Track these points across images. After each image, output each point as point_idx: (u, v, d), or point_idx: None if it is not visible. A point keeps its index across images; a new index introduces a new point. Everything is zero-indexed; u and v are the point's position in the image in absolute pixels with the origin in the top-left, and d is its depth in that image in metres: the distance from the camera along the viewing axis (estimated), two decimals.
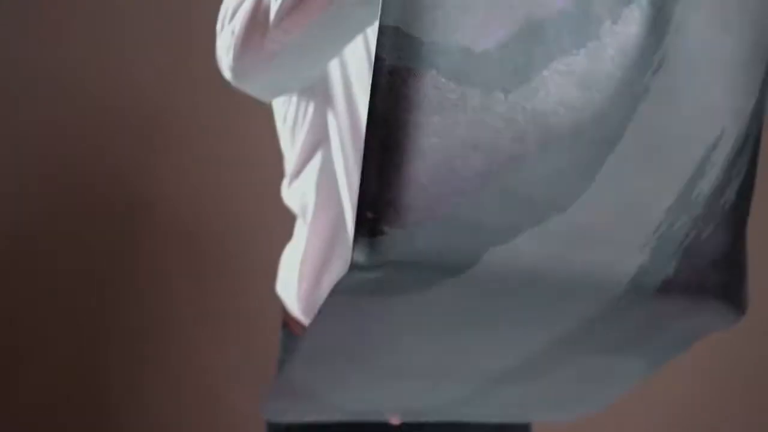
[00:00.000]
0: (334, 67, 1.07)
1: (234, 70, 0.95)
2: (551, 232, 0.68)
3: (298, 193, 1.12)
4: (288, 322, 1.19)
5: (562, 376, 0.85)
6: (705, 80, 0.73)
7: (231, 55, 0.94)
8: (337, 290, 0.65)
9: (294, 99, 1.11)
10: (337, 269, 1.10)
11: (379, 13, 0.62)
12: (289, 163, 1.13)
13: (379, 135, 0.63)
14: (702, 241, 0.74)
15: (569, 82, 0.68)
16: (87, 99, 2.16)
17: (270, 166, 2.20)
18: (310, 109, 1.08)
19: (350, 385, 0.81)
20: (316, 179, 1.09)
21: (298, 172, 1.11)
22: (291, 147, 1.12)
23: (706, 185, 0.74)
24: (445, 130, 0.64)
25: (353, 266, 0.63)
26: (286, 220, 2.21)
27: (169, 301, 2.23)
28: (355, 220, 0.62)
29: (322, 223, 1.10)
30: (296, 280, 1.14)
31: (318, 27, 0.88)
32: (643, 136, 0.71)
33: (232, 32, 0.94)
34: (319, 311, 0.68)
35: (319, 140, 1.08)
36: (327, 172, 1.08)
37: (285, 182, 1.15)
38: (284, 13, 0.88)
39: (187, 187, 2.21)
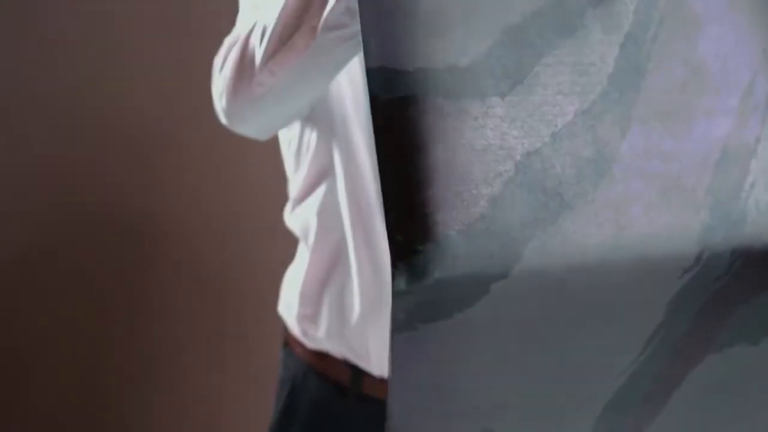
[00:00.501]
0: (335, 92, 1.09)
1: (227, 113, 0.99)
2: (588, 214, 0.68)
3: (300, 218, 1.15)
4: (289, 341, 1.21)
5: (694, 393, 0.79)
6: (715, 31, 0.72)
7: (224, 101, 0.98)
8: (393, 326, 0.67)
9: (298, 125, 1.12)
10: (337, 292, 1.11)
11: (364, 58, 0.65)
12: (293, 188, 1.16)
13: (390, 164, 0.65)
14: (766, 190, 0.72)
15: (563, 72, 0.69)
16: (87, 108, 2.17)
17: (273, 184, 2.21)
18: (314, 137, 1.11)
19: None
20: (318, 207, 1.12)
21: (301, 199, 1.14)
22: (295, 172, 1.15)
23: (750, 133, 0.72)
24: (451, 142, 0.66)
25: (396, 293, 0.64)
26: (289, 236, 2.22)
27: (170, 309, 2.24)
28: (390, 248, 0.65)
29: (323, 248, 1.13)
30: (297, 302, 1.16)
31: (302, 67, 0.91)
32: (662, 103, 0.71)
33: (224, 79, 0.98)
34: (391, 363, 0.69)
35: (324, 170, 1.12)
36: (330, 200, 1.12)
37: (288, 206, 1.18)
38: (268, 56, 0.92)
39: (189, 197, 2.21)
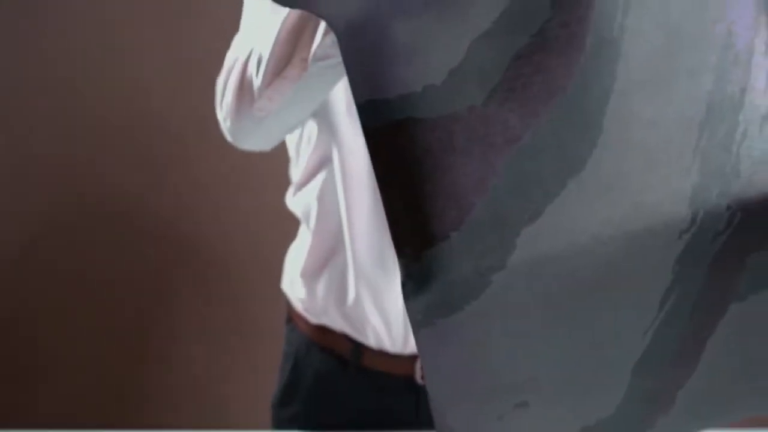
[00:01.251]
0: (332, 94, 1.14)
1: (233, 134, 1.06)
2: (575, 197, 0.70)
3: (302, 202, 1.20)
4: (292, 316, 1.24)
5: (726, 344, 0.79)
6: None
7: (228, 124, 1.05)
8: (414, 324, 0.71)
9: None
10: (336, 274, 1.17)
11: (352, 96, 0.71)
12: (296, 174, 1.20)
13: (387, 184, 0.70)
14: (760, 138, 0.72)
15: (537, 61, 0.71)
16: (87, 108, 2.17)
17: (274, 172, 2.21)
18: (314, 130, 1.15)
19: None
20: (318, 192, 1.17)
21: (303, 185, 1.18)
22: (297, 159, 1.19)
23: (734, 86, 0.72)
24: (438, 154, 0.70)
25: (408, 298, 0.69)
26: (289, 224, 2.22)
27: (172, 306, 2.24)
28: (398, 259, 0.69)
29: (323, 231, 1.18)
30: (299, 282, 1.19)
31: (297, 91, 0.98)
32: (641, 71, 0.72)
33: (226, 105, 1.05)
34: (420, 356, 0.73)
35: (324, 159, 1.17)
36: (330, 187, 1.16)
37: (290, 191, 1.22)
38: (265, 86, 0.98)
39: (190, 194, 2.21)
